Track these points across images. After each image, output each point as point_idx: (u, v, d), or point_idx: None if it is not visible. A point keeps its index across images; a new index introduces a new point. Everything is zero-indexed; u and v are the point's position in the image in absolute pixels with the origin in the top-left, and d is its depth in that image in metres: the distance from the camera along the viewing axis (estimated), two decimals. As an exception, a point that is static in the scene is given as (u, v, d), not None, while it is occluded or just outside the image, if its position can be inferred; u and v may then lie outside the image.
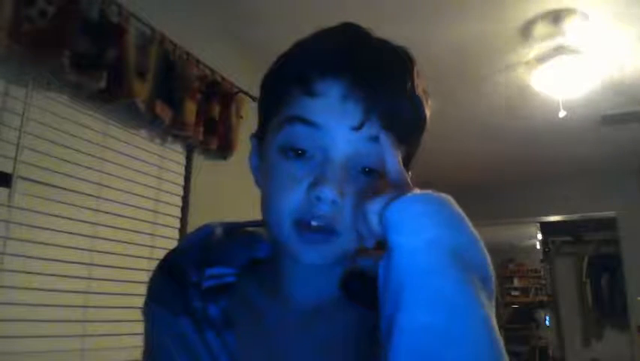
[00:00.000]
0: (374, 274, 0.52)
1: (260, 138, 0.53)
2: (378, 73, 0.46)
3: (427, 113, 0.51)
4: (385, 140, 0.45)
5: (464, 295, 0.37)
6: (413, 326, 0.37)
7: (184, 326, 0.53)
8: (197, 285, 0.54)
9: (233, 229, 0.59)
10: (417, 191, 0.42)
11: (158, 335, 0.56)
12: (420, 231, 0.39)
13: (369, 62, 0.46)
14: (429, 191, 0.42)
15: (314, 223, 0.45)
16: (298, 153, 0.46)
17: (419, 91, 0.49)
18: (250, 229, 0.60)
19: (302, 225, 0.46)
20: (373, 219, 0.42)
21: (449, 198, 0.42)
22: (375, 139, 0.46)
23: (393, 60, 0.48)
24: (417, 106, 0.49)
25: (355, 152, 0.46)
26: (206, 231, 0.59)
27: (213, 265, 0.55)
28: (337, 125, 0.45)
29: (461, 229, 0.40)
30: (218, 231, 0.59)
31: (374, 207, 0.42)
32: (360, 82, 0.45)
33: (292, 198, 0.46)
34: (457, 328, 0.37)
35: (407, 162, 0.52)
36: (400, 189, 0.43)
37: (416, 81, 0.49)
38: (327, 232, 0.46)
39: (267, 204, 0.49)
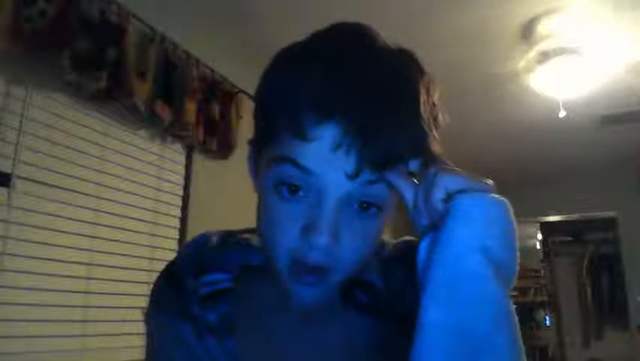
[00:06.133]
0: (381, 285, 0.54)
1: (255, 146, 0.51)
2: (374, 110, 0.42)
3: (437, 134, 0.47)
4: (395, 179, 0.43)
5: (506, 306, 0.38)
6: (456, 326, 0.37)
7: (185, 332, 0.53)
8: (194, 292, 0.55)
9: (227, 237, 0.60)
10: (491, 187, 0.41)
11: (160, 341, 0.56)
12: (482, 235, 0.38)
13: (365, 100, 0.42)
14: (494, 195, 0.40)
15: (310, 263, 0.44)
16: (292, 190, 0.44)
17: (427, 112, 0.45)
18: (245, 236, 0.60)
19: (298, 264, 0.45)
20: (438, 194, 0.40)
21: (509, 206, 0.41)
22: (372, 182, 0.43)
23: (395, 87, 0.44)
24: (421, 136, 0.44)
25: (350, 194, 0.44)
26: (202, 239, 0.60)
27: (208, 272, 0.56)
28: (330, 172, 0.43)
29: (510, 244, 0.40)
30: (214, 239, 0.59)
31: (448, 182, 0.40)
32: (354, 125, 0.41)
33: (287, 239, 0.45)
34: (499, 337, 0.37)
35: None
36: (474, 179, 0.41)
37: (422, 106, 0.44)
38: (323, 272, 0.45)
39: (263, 235, 0.49)
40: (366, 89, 0.42)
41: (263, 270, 0.54)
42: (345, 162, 0.42)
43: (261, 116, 0.49)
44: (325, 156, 0.42)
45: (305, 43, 0.48)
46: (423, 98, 0.45)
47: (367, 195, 0.44)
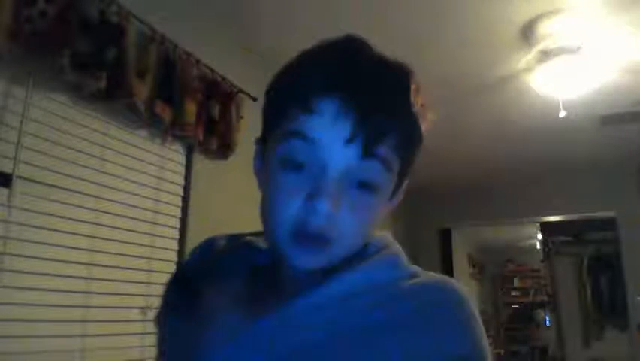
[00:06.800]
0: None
1: (263, 143, 0.56)
2: (370, 90, 0.49)
3: (424, 127, 0.53)
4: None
5: None
6: None
7: (193, 333, 0.55)
8: (202, 294, 0.57)
9: (234, 240, 0.63)
10: None
11: (170, 342, 0.59)
12: None
13: (362, 81, 0.49)
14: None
15: (310, 232, 0.47)
16: (297, 166, 0.49)
17: (415, 106, 0.51)
18: (250, 238, 0.62)
19: (299, 234, 0.48)
20: None
21: None
22: (368, 156, 0.48)
23: (388, 78, 0.51)
24: (409, 121, 0.51)
25: (349, 166, 0.48)
26: (209, 242, 0.63)
27: (216, 275, 0.58)
28: (331, 140, 0.48)
29: None
30: (221, 242, 0.63)
31: None
32: (353, 100, 0.47)
33: (290, 209, 0.48)
34: None
35: (403, 172, 0.54)
36: None
37: (412, 97, 0.51)
38: (323, 241, 0.48)
39: (266, 211, 0.52)
40: (365, 74, 0.50)
41: (270, 270, 0.57)
42: (344, 130, 0.48)
43: (273, 101, 0.54)
44: (327, 126, 0.48)
45: (312, 46, 0.53)
46: (412, 92, 0.51)
47: (365, 172, 0.49)
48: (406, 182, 0.57)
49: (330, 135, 0.48)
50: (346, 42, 0.52)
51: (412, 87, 0.52)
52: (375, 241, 0.55)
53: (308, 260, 0.49)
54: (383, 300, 0.49)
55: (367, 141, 0.48)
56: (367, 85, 0.49)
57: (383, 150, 0.49)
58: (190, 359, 0.52)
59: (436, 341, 0.46)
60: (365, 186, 0.49)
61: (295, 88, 0.50)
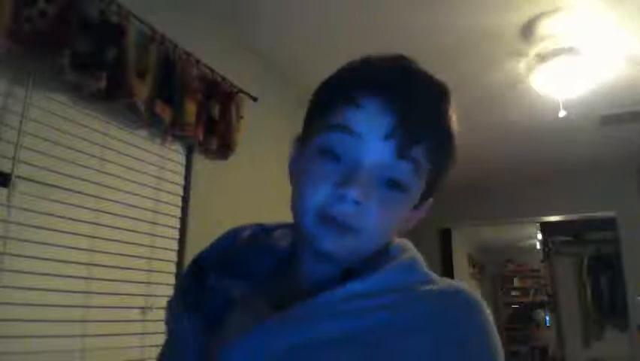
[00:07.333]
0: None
1: (302, 140, 0.59)
2: (413, 95, 0.51)
3: (456, 143, 0.56)
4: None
5: None
6: None
7: (193, 327, 0.57)
8: (213, 290, 0.59)
9: (258, 236, 0.64)
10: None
11: (175, 328, 0.60)
12: None
13: (407, 85, 0.52)
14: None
15: (336, 218, 0.49)
16: (334, 157, 0.51)
17: (451, 122, 0.55)
18: (274, 233, 0.64)
19: (325, 218, 0.49)
20: None
21: None
22: (402, 155, 0.50)
23: (432, 89, 0.54)
24: (445, 133, 0.54)
25: (382, 162, 0.50)
26: (233, 236, 0.64)
27: (236, 268, 0.60)
28: (370, 134, 0.50)
29: None
30: (245, 234, 0.64)
31: None
32: (396, 100, 0.50)
33: (318, 195, 0.50)
34: None
35: (430, 185, 0.54)
36: None
37: (449, 112, 0.54)
38: (347, 228, 0.49)
39: (296, 196, 0.53)
40: (411, 80, 0.53)
41: (288, 266, 0.58)
42: (384, 127, 0.50)
43: (319, 98, 0.57)
44: (369, 121, 0.50)
45: (360, 56, 0.56)
46: (449, 110, 0.54)
47: (396, 171, 0.51)
48: (430, 200, 0.58)
49: (370, 130, 0.50)
50: (396, 55, 0.55)
51: (450, 106, 0.55)
52: (395, 244, 0.55)
53: (332, 243, 0.50)
54: (400, 303, 0.49)
55: (403, 140, 0.50)
56: (411, 90, 0.52)
57: (416, 152, 0.51)
58: (199, 349, 0.53)
59: (450, 346, 0.46)
60: (394, 185, 0.51)
61: (343, 84, 0.54)
